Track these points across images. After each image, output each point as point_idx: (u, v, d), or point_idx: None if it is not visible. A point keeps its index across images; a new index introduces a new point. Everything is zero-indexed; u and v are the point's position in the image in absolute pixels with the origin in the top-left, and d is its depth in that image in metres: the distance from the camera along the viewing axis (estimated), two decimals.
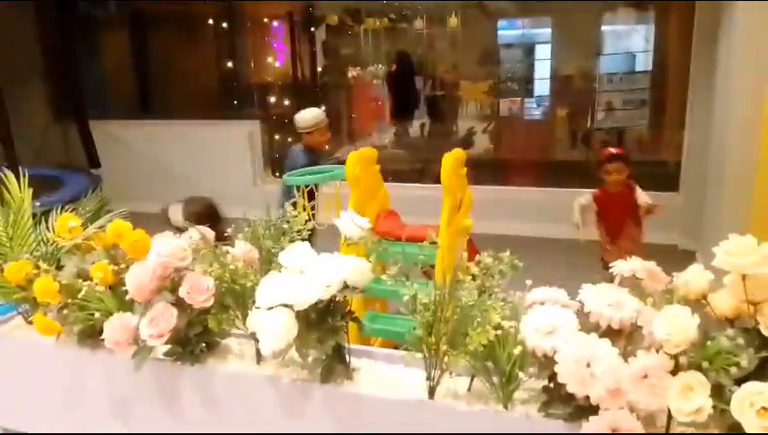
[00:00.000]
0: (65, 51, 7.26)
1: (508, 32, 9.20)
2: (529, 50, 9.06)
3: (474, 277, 1.10)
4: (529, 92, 8.78)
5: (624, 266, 1.08)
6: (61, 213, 1.61)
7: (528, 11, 8.99)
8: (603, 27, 8.45)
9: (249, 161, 6.75)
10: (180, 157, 6.89)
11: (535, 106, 8.67)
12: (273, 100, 7.52)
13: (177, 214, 2.75)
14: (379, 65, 9.05)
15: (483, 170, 5.29)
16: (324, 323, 1.22)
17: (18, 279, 1.45)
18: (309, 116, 4.41)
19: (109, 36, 8.12)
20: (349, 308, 1.26)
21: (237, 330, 1.38)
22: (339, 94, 8.72)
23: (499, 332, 1.05)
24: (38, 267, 1.44)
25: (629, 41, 8.51)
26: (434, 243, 1.18)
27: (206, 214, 3.12)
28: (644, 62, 7.84)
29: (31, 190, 1.68)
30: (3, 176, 1.67)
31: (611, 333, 1.01)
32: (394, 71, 8.73)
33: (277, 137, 7.21)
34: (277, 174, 6.72)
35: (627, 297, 1.03)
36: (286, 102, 7.50)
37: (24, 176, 1.65)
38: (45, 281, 1.37)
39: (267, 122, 7.12)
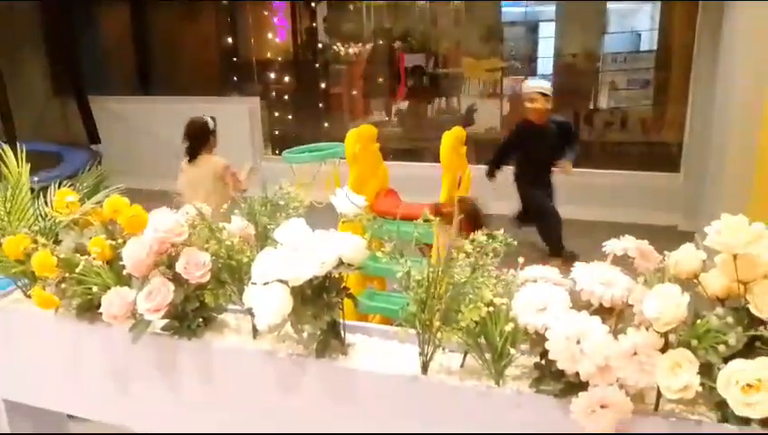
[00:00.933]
0: (64, 25, 7.22)
1: (512, 9, 9.10)
2: (533, 28, 8.97)
3: (467, 255, 1.11)
4: (532, 71, 8.71)
5: (616, 245, 1.08)
6: (59, 188, 1.62)
7: None
8: (609, 5, 8.35)
9: (249, 139, 6.74)
10: (180, 133, 6.86)
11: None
12: (273, 76, 7.48)
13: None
14: (381, 41, 8.96)
15: (484, 149, 5.27)
16: (320, 299, 1.23)
17: (16, 253, 1.46)
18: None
19: (108, 11, 8.05)
20: (344, 285, 1.27)
21: (234, 305, 1.40)
22: (339, 71, 8.66)
23: (491, 308, 1.06)
24: (36, 242, 1.45)
25: (635, 19, 8.42)
26: (428, 221, 1.18)
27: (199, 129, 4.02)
28: (649, 42, 7.78)
29: (29, 165, 1.69)
30: (1, 151, 1.67)
31: (602, 311, 1.02)
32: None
33: (277, 114, 7.19)
34: (277, 151, 6.72)
35: (618, 275, 1.04)
36: (286, 79, 7.46)
37: (22, 151, 1.65)
38: (43, 255, 1.38)
39: (267, 99, 7.09)
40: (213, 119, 4.12)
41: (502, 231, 1.13)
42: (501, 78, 8.06)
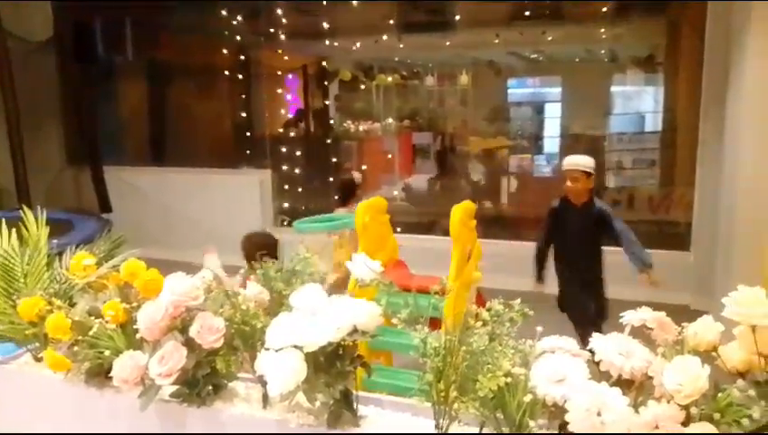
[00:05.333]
0: (83, 96, 7.47)
1: (518, 90, 9.41)
2: (539, 108, 9.24)
3: (484, 323, 1.10)
4: (539, 149, 8.90)
5: (634, 316, 1.08)
6: (74, 253, 1.64)
7: (538, 70, 9.21)
8: (613, 88, 8.63)
9: (259, 209, 6.82)
10: (192, 204, 6.98)
11: (545, 163, 8.76)
12: (284, 150, 7.66)
13: (212, 262, 2.79)
14: (390, 120, 9.23)
15: (493, 225, 5.30)
16: (333, 368, 1.21)
17: (31, 315, 1.46)
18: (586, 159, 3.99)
19: (126, 84, 8.36)
20: (357, 353, 1.26)
21: (244, 374, 1.38)
22: (349, 146, 8.87)
23: (509, 379, 1.04)
24: (51, 304, 1.46)
25: (639, 101, 8.67)
26: (442, 293, 1.18)
27: (266, 245, 3.77)
28: (653, 123, 7.97)
29: (47, 229, 1.72)
30: (21, 215, 1.71)
31: (622, 383, 1.01)
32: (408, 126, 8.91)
33: (287, 187, 7.31)
34: (285, 223, 6.78)
35: (637, 347, 1.03)
36: (297, 153, 7.63)
37: (42, 214, 1.69)
38: (58, 317, 1.38)
39: (278, 172, 7.23)
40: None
41: (518, 301, 1.13)
42: (507, 156, 8.21)
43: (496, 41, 7.75)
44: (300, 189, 7.38)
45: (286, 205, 7.11)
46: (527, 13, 7.02)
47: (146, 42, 8.09)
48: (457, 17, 7.36)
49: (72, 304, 1.51)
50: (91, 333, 1.37)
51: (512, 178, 7.90)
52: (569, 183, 3.92)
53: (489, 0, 7.15)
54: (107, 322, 1.37)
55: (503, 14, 7.24)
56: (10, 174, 7.18)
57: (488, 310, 1.12)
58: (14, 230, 1.69)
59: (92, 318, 1.40)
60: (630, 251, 3.72)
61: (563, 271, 4.03)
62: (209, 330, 1.27)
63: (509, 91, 9.29)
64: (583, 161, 3.92)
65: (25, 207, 1.70)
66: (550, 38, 7.56)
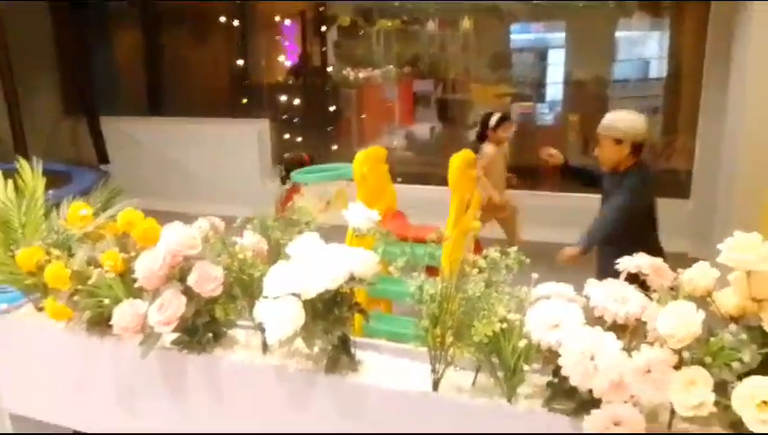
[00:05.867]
0: (77, 46, 7.34)
1: (521, 36, 9.20)
2: (542, 54, 9.05)
3: (480, 270, 1.11)
4: (541, 97, 8.77)
5: (630, 262, 1.08)
6: (72, 203, 1.64)
7: (541, 15, 8.98)
8: (617, 33, 8.43)
9: (258, 160, 6.78)
10: (190, 154, 6.94)
11: (548, 111, 8.66)
12: (283, 99, 7.56)
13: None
14: (390, 67, 9.07)
15: None
16: (331, 314, 1.23)
17: (30, 265, 1.47)
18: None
19: (120, 32, 8.18)
20: (355, 300, 1.27)
21: (244, 322, 1.40)
22: (348, 94, 8.74)
23: (504, 324, 1.05)
24: (49, 254, 1.46)
25: (644, 47, 8.49)
26: (438, 242, 1.19)
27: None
28: (658, 69, 7.82)
29: (44, 180, 1.71)
30: (17, 166, 1.70)
31: (616, 328, 1.02)
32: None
33: (287, 136, 7.25)
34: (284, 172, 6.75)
35: (632, 292, 1.04)
36: (296, 102, 7.53)
37: (39, 164, 1.68)
38: (57, 267, 1.39)
39: (277, 121, 7.15)
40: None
41: (515, 248, 1.13)
42: (509, 104, 8.11)
43: None
44: (299, 139, 7.32)
45: (285, 155, 7.06)
46: None
47: None
48: None
49: (71, 255, 1.52)
50: (90, 282, 1.38)
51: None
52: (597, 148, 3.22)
53: None
54: (106, 271, 1.38)
55: None
56: (6, 126, 7.13)
57: (484, 257, 1.12)
58: (10, 181, 1.68)
59: (91, 268, 1.40)
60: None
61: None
62: (207, 279, 1.28)
63: (512, 36, 9.08)
64: (609, 123, 3.15)
65: (21, 158, 1.68)
66: None
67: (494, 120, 4.62)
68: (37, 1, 6.98)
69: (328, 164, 5.29)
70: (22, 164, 1.69)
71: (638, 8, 8.16)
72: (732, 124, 4.53)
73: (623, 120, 3.10)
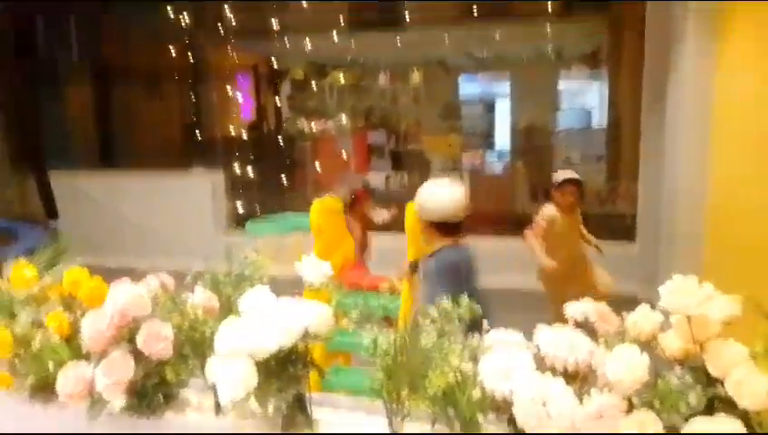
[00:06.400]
0: (26, 98, 7.20)
1: (469, 87, 9.54)
2: (489, 105, 9.39)
3: (433, 321, 1.12)
4: (490, 146, 9.04)
5: (577, 308, 1.11)
6: (15, 264, 1.58)
7: (487, 68, 9.35)
8: (560, 84, 8.84)
9: (212, 213, 6.70)
10: (142, 208, 6.80)
11: (496, 159, 8.91)
12: (237, 151, 7.55)
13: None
14: (344, 119, 9.22)
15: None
16: (285, 372, 1.21)
17: None
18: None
19: (71, 84, 8.07)
20: (310, 357, 1.26)
21: (196, 379, 1.36)
22: (303, 146, 8.82)
23: (458, 375, 1.06)
24: None
25: (584, 97, 8.91)
26: (392, 292, 1.20)
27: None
28: (599, 118, 8.20)
29: None
30: None
31: (567, 375, 1.04)
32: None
33: (241, 190, 7.21)
34: (238, 225, 6.69)
35: (581, 339, 1.06)
36: (250, 154, 7.54)
37: None
38: None
39: (230, 173, 7.12)
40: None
41: (465, 297, 1.15)
42: (460, 153, 8.32)
43: (446, 39, 7.84)
44: (253, 191, 7.29)
45: (240, 206, 7.01)
46: (475, 12, 7.12)
47: (91, 40, 7.85)
48: (407, 15, 7.41)
49: (14, 318, 1.46)
50: (34, 346, 1.32)
51: (464, 174, 8.00)
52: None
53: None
54: (50, 334, 1.33)
55: (451, 12, 7.32)
56: None
57: (436, 307, 1.13)
58: None
59: (35, 330, 1.35)
60: None
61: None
62: (156, 338, 1.25)
63: (460, 88, 9.41)
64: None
65: None
66: (497, 36, 7.69)
67: (556, 178, 3.90)
68: None
69: (283, 214, 5.27)
70: None
71: (577, 61, 8.59)
72: (669, 168, 4.75)
73: (421, 193, 2.48)
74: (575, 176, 3.87)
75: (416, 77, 9.28)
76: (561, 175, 3.87)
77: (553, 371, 1.06)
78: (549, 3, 6.79)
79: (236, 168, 7.28)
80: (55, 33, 7.75)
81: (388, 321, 2.99)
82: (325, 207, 3.50)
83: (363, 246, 3.87)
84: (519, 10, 7.25)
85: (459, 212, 2.42)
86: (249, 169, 7.36)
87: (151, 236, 6.62)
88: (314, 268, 1.27)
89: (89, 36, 7.81)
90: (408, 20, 7.45)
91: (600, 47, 7.93)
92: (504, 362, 1.04)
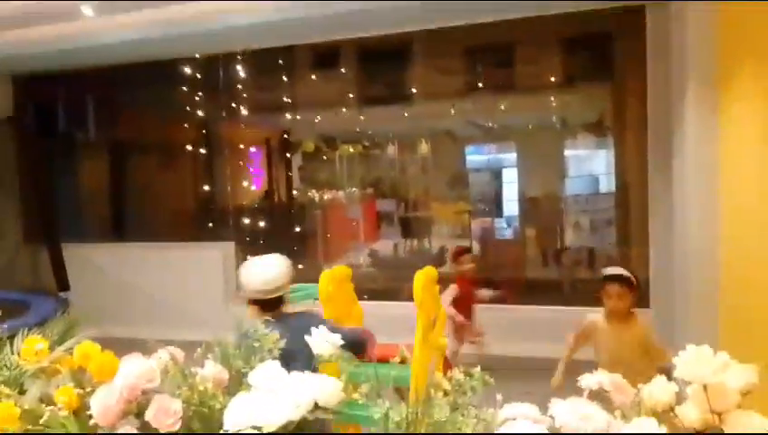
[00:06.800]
0: (42, 173, 7.38)
1: (476, 157, 9.72)
2: (496, 173, 9.53)
3: (446, 393, 1.10)
4: (498, 213, 9.10)
5: (591, 379, 1.10)
6: (27, 336, 1.59)
7: (494, 137, 9.54)
8: (566, 152, 8.98)
9: (223, 283, 6.72)
10: (154, 280, 6.84)
11: (505, 226, 8.95)
12: (248, 222, 7.64)
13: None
14: (354, 189, 9.38)
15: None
16: None
17: None
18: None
19: (87, 160, 8.29)
20: (319, 430, 1.24)
21: None
22: (314, 216, 8.92)
23: None
24: None
25: (591, 164, 9.02)
26: (403, 362, 1.19)
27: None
28: (607, 184, 8.27)
29: None
30: None
31: None
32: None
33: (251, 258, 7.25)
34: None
35: (596, 411, 1.04)
36: (262, 224, 7.62)
37: None
38: (6, 406, 1.32)
39: (242, 244, 7.17)
40: None
41: (478, 369, 1.14)
42: (468, 220, 8.38)
43: (452, 111, 8.04)
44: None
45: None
46: (480, 84, 7.34)
47: (107, 118, 8.12)
48: (414, 90, 7.65)
49: (23, 392, 1.45)
50: (41, 421, 1.31)
51: (474, 241, 8.02)
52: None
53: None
54: (59, 408, 1.32)
55: (457, 85, 7.54)
56: None
57: (449, 380, 1.12)
58: None
59: (43, 405, 1.34)
60: None
61: None
62: (166, 413, 1.23)
63: (467, 157, 9.59)
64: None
65: None
66: (503, 107, 7.88)
67: (606, 272, 3.31)
68: (3, 130, 7.09)
69: (293, 284, 5.27)
70: None
71: (582, 129, 8.74)
72: (680, 229, 4.73)
73: (240, 270, 2.67)
74: (620, 272, 3.19)
75: (423, 147, 9.48)
76: (607, 271, 3.30)
77: None
78: (552, 73, 7.00)
79: (247, 238, 7.34)
80: (72, 113, 8.04)
81: (401, 392, 2.94)
82: (335, 276, 3.52)
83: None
84: (523, 82, 7.47)
85: (270, 290, 2.54)
86: (260, 239, 7.42)
87: (162, 307, 6.62)
88: (323, 340, 1.26)
89: (104, 114, 8.09)
90: (414, 94, 7.68)
91: (604, 114, 8.09)
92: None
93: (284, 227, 8.24)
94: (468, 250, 5.09)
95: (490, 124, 8.84)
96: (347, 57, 7.48)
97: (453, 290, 4.65)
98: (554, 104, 7.69)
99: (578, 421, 1.01)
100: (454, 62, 7.39)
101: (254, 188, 8.56)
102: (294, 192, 9.01)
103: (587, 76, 7.35)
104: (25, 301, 5.85)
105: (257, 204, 8.42)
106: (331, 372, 1.28)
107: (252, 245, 7.33)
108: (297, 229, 8.32)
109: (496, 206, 9.33)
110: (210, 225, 7.46)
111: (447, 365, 3.81)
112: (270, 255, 2.70)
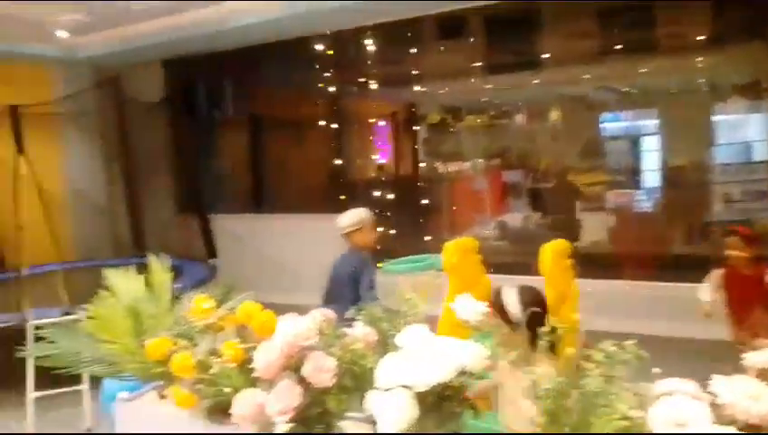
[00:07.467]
0: (191, 150, 8.05)
1: (612, 124, 9.18)
2: (635, 141, 8.95)
3: (597, 365, 1.08)
4: (637, 184, 8.57)
5: (759, 357, 1.03)
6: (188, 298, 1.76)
7: (632, 103, 8.95)
8: (714, 117, 8.22)
9: None
10: (288, 248, 7.24)
11: (645, 198, 8.42)
12: (377, 194, 7.82)
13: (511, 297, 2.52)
14: (479, 160, 9.25)
15: (591, 264, 5.12)
16: (440, 409, 1.22)
17: (158, 355, 1.57)
18: (348, 217, 4.41)
19: (227, 137, 8.90)
20: (464, 395, 1.27)
21: (351, 414, 1.41)
22: (439, 188, 8.94)
23: (626, 422, 1.01)
24: (176, 344, 1.57)
25: (744, 130, 8.21)
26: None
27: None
28: (762, 151, 7.51)
29: (171, 275, 1.87)
30: (137, 262, 1.87)
31: (749, 428, 0.96)
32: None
33: (381, 228, 7.43)
34: (379, 264, 6.86)
35: (764, 389, 0.98)
36: (390, 196, 7.77)
37: (167, 261, 1.83)
38: (183, 357, 1.48)
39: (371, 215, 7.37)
40: None
41: (631, 342, 1.10)
42: (604, 191, 7.97)
43: (586, 76, 7.64)
44: (392, 232, 7.48)
45: (378, 247, 7.21)
46: (617, 47, 6.89)
47: (245, 97, 8.63)
48: (543, 56, 7.34)
49: (194, 345, 1.61)
50: (211, 371, 1.45)
51: (610, 214, 7.63)
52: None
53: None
54: (226, 361, 1.46)
55: (591, 49, 7.13)
56: (126, 224, 7.81)
57: (601, 351, 1.10)
58: (142, 277, 1.84)
59: (212, 358, 1.49)
60: None
61: None
62: (321, 369, 1.32)
63: (602, 125, 9.08)
64: None
65: (152, 255, 1.85)
66: (643, 70, 7.36)
67: None
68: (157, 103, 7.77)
69: (420, 255, 5.34)
70: (152, 260, 1.85)
71: (733, 92, 7.96)
72: None
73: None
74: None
75: (554, 115, 9.11)
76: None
77: (733, 422, 0.98)
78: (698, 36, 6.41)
79: (376, 211, 7.53)
80: (214, 94, 8.63)
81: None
82: (459, 247, 3.50)
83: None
84: (665, 43, 6.91)
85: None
86: (387, 211, 7.58)
87: (298, 274, 7.01)
88: (469, 307, 1.29)
89: (243, 94, 8.60)
90: (545, 59, 7.38)
91: (761, 75, 7.30)
92: (679, 411, 0.98)
93: (411, 200, 8.34)
94: (735, 232, 4.02)
95: (628, 89, 8.31)
96: (473, 25, 7.33)
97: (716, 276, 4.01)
98: (701, 66, 7.05)
99: (746, 400, 0.95)
100: (587, 24, 6.98)
101: (382, 160, 8.74)
102: (421, 164, 9.06)
103: (738, 34, 6.64)
104: (180, 266, 6.46)
105: (384, 177, 8.58)
106: (462, 336, 1.29)
107: (379, 216, 7.51)
108: (423, 202, 8.39)
109: (635, 176, 8.79)
110: (342, 197, 7.73)
111: (585, 344, 3.69)
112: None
